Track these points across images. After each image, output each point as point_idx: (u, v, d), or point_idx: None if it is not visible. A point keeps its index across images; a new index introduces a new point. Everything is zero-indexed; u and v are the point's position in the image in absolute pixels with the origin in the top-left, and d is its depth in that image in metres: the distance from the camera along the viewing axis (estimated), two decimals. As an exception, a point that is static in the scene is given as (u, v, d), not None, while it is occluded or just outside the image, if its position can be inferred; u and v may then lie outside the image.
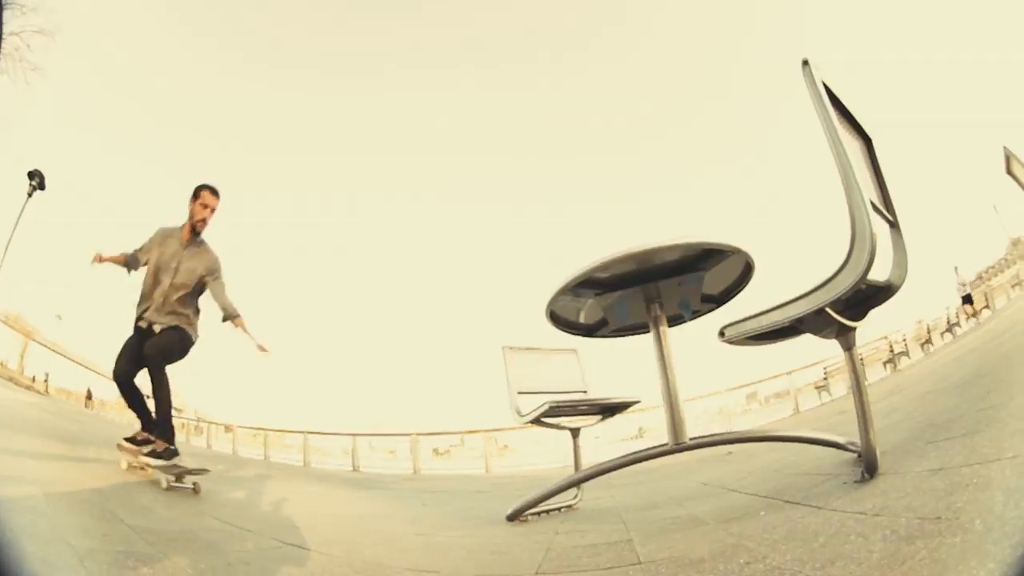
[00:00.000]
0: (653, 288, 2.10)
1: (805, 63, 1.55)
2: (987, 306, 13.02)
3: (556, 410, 2.78)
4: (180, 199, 3.43)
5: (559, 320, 2.51)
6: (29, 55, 11.55)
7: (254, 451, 11.66)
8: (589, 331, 2.65)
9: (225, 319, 3.30)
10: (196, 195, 3.34)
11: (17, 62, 11.42)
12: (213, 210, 3.36)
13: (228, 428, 13.07)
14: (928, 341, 12.47)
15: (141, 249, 3.35)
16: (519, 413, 2.99)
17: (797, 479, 2.19)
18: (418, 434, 9.77)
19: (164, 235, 3.37)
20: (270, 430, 12.09)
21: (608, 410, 2.99)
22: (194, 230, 3.34)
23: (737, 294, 2.41)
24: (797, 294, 1.70)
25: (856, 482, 1.73)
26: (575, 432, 3.07)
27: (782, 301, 1.72)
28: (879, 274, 1.75)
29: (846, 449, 2.10)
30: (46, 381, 11.43)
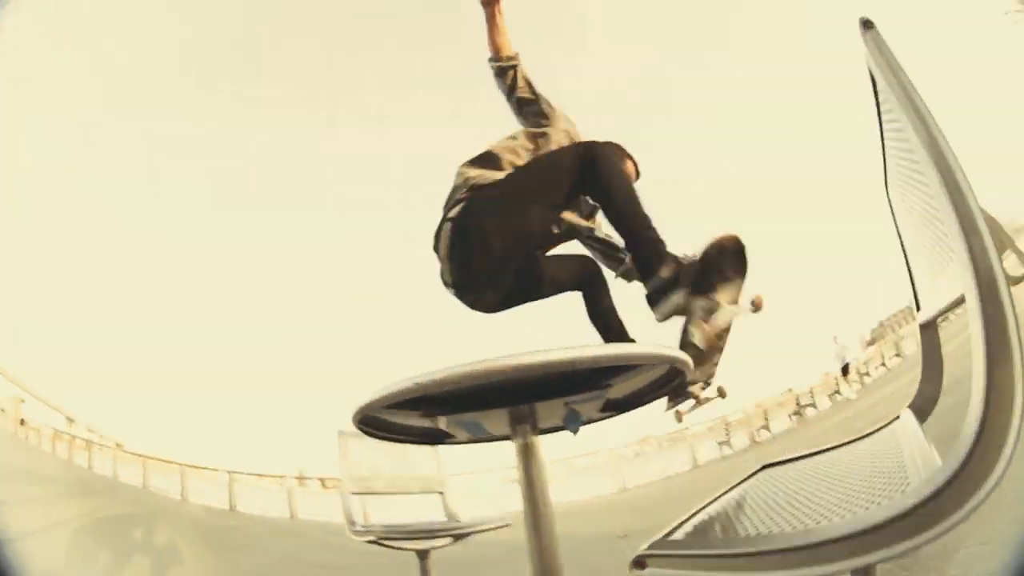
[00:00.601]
0: (525, 409, 1.27)
1: (868, 23, 0.76)
2: (897, 355, 13.38)
3: (393, 534, 2.06)
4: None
5: (379, 426, 1.60)
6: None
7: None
8: (429, 439, 1.77)
9: None
10: None
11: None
12: None
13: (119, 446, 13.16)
14: (836, 391, 12.65)
15: None
16: (351, 524, 2.17)
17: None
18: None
19: None
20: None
21: (464, 534, 2.19)
22: None
23: (655, 399, 1.62)
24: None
25: None
26: (422, 554, 2.23)
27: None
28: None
29: None
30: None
